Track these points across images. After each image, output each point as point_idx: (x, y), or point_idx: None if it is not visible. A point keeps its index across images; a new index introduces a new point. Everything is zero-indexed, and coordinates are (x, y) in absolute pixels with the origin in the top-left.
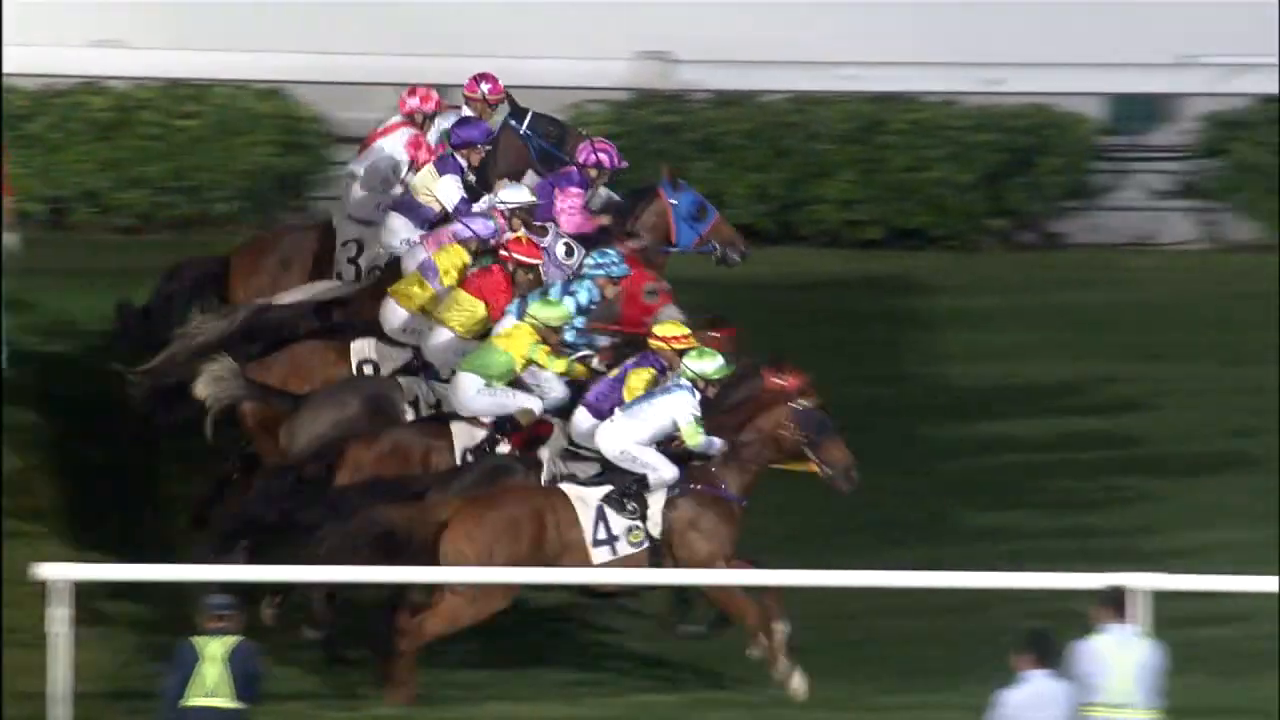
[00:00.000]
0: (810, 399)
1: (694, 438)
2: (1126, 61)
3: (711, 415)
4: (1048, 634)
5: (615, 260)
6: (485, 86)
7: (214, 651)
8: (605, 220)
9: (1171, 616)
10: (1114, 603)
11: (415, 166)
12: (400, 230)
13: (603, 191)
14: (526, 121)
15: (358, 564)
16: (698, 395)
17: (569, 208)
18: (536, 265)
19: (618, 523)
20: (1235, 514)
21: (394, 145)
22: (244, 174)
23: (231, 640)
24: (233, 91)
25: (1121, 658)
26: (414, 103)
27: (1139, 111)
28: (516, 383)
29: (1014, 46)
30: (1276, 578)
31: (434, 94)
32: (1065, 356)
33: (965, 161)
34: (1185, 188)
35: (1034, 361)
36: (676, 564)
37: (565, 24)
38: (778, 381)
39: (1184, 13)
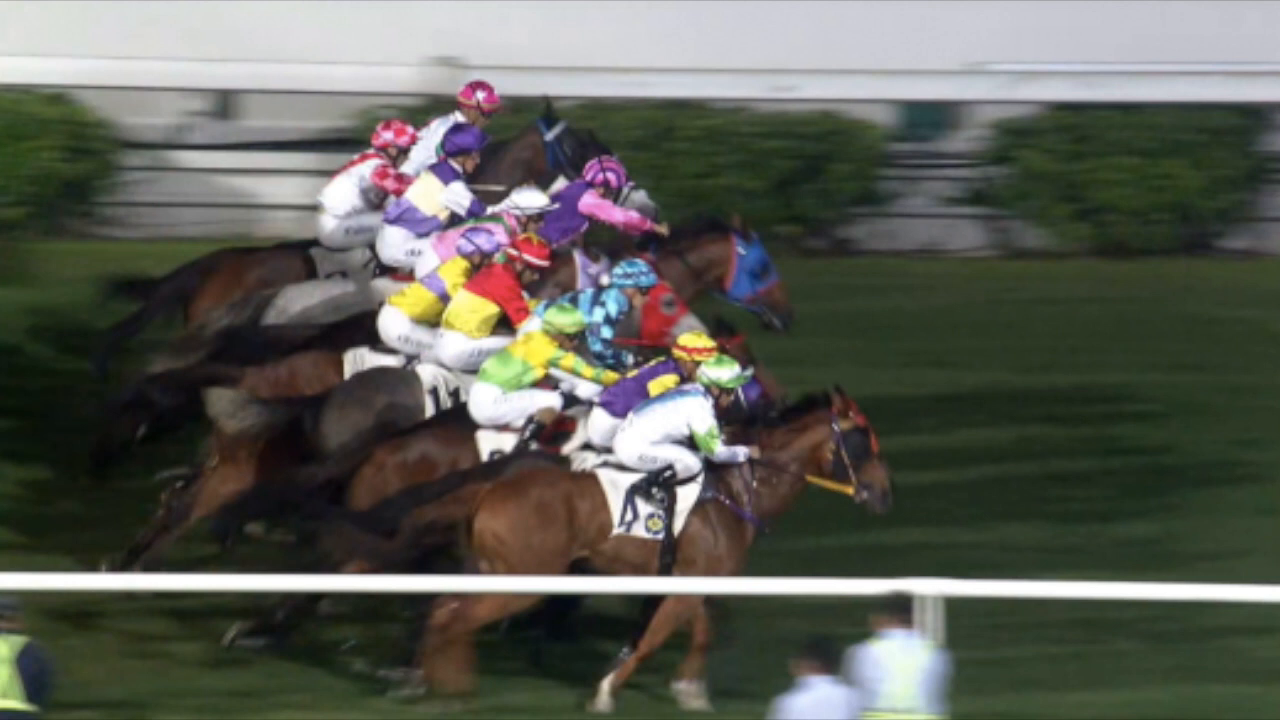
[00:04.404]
0: (851, 420)
1: (711, 445)
2: (915, 69)
3: (755, 431)
4: (829, 640)
5: (644, 270)
6: (480, 95)
7: (1, 653)
8: (655, 226)
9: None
10: (898, 609)
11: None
12: (400, 242)
13: (637, 197)
14: (556, 131)
15: (389, 564)
16: (711, 400)
17: (597, 204)
18: (543, 266)
19: (644, 508)
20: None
21: (363, 175)
22: (30, 179)
23: (19, 641)
24: (18, 96)
25: (904, 663)
26: (388, 136)
27: (928, 118)
28: (542, 380)
29: (804, 53)
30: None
31: (408, 128)
32: (855, 363)
33: (756, 168)
34: (974, 195)
35: (825, 368)
36: (679, 567)
37: (354, 29)
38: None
39: (972, 20)
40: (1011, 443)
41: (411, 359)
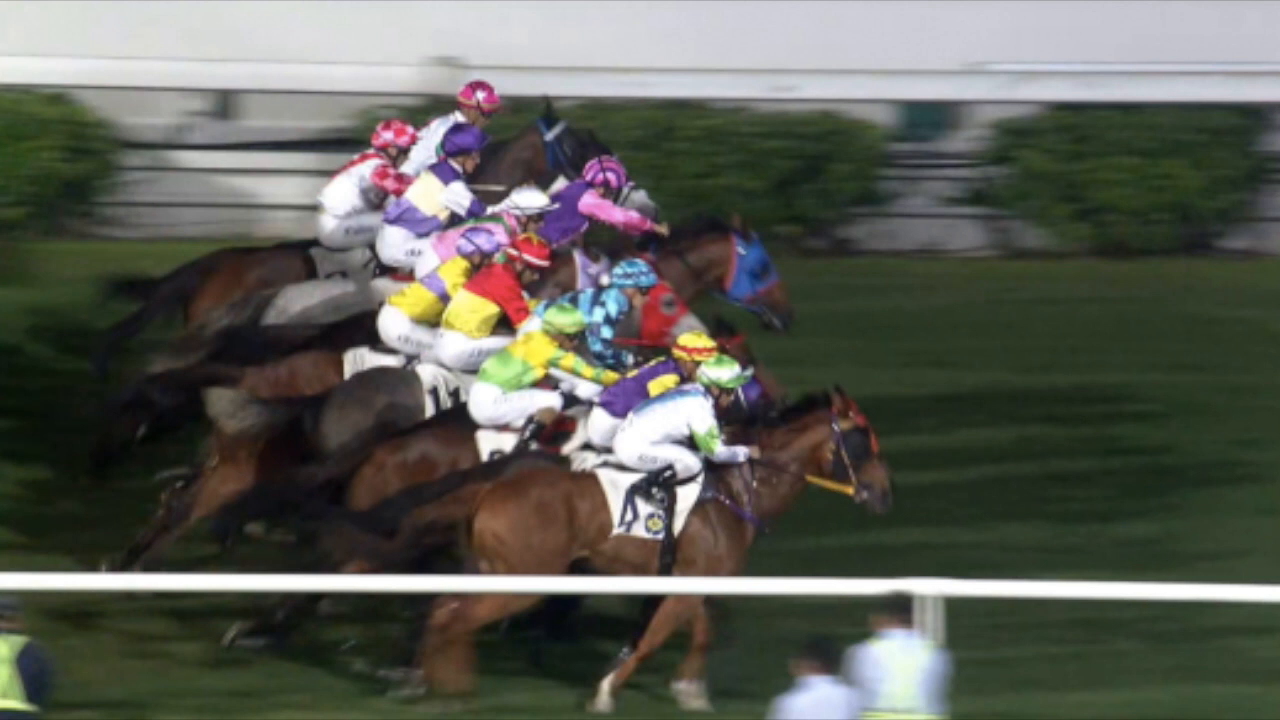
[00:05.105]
0: (851, 420)
1: (711, 444)
2: (915, 69)
3: (755, 431)
4: (829, 640)
5: (644, 270)
6: (480, 94)
7: (1, 653)
8: (655, 226)
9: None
10: (898, 609)
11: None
12: (400, 242)
13: (637, 197)
14: (556, 131)
15: (389, 564)
16: (711, 400)
17: (597, 204)
18: (543, 266)
19: (644, 508)
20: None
21: (363, 175)
22: (30, 179)
23: (19, 641)
24: (18, 96)
25: (904, 663)
26: (388, 136)
27: (928, 118)
28: (542, 380)
29: (804, 53)
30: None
31: (408, 128)
32: (855, 363)
33: (756, 168)
34: (974, 195)
35: (825, 368)
36: (679, 567)
37: (354, 29)
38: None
39: (972, 20)
40: (1011, 443)
41: (411, 359)
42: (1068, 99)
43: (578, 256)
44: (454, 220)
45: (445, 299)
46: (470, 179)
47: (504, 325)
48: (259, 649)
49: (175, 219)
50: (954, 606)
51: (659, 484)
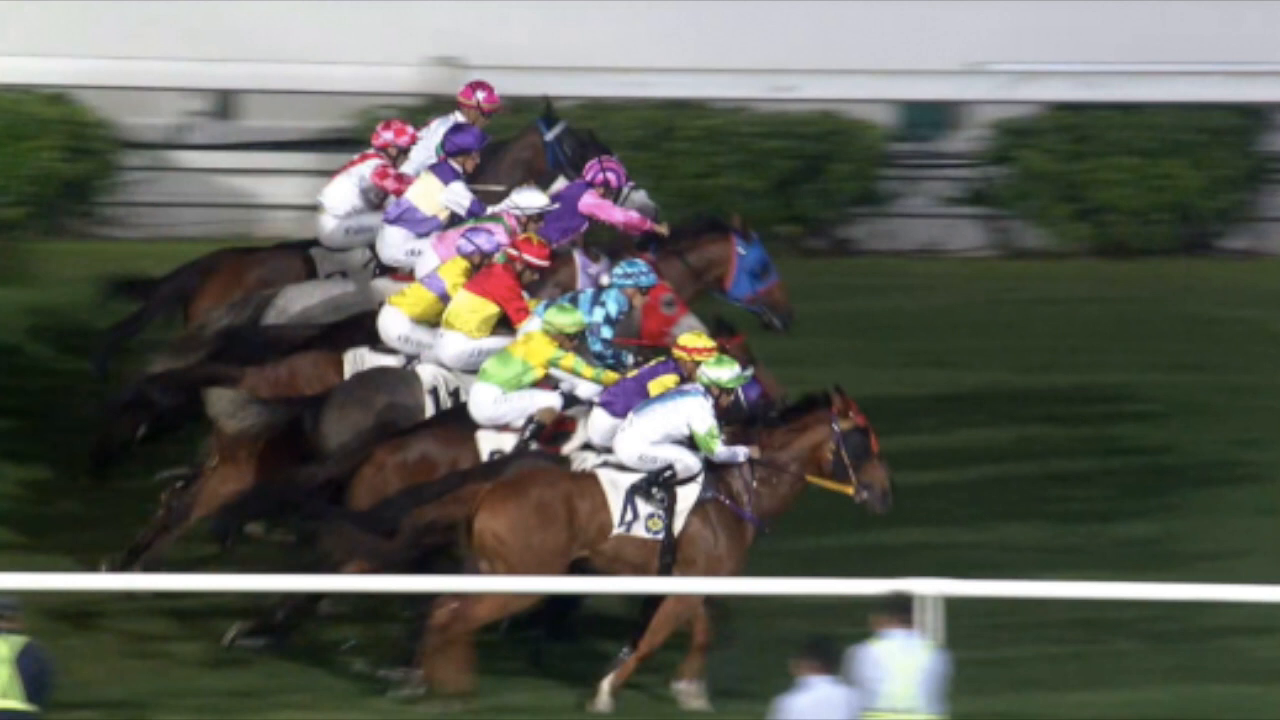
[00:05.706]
0: (851, 420)
1: (711, 445)
2: (915, 69)
3: (755, 431)
4: (829, 640)
5: (644, 270)
6: (480, 94)
7: (1, 653)
8: (655, 226)
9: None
10: (898, 609)
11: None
12: (400, 242)
13: (637, 197)
14: (556, 131)
15: (389, 564)
16: (711, 400)
17: (597, 204)
18: (543, 266)
19: (644, 508)
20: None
21: (363, 175)
22: (30, 179)
23: (19, 641)
24: (18, 96)
25: (904, 663)
26: (388, 136)
27: (928, 118)
28: (542, 380)
29: (804, 53)
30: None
31: (408, 128)
32: (855, 363)
33: (756, 168)
34: (974, 195)
35: (825, 368)
36: (679, 567)
37: (354, 29)
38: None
39: (972, 20)
40: (1011, 443)
41: (411, 359)
42: (1068, 99)
43: (578, 256)
44: (454, 220)
45: (445, 299)
46: (470, 179)
47: (504, 325)
48: (259, 649)
49: (175, 219)
50: (954, 606)
51: (659, 484)
